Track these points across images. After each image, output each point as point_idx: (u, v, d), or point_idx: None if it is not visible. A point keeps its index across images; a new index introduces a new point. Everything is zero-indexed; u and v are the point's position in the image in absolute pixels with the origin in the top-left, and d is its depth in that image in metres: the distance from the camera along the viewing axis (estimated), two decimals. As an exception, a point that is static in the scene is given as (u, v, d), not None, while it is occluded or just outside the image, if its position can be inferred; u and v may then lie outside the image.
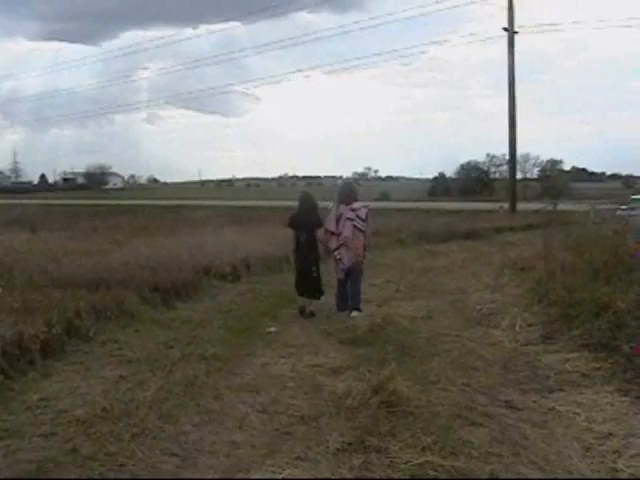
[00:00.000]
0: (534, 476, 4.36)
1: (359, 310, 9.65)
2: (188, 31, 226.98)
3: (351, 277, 9.85)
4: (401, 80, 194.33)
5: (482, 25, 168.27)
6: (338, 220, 9.71)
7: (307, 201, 10.19)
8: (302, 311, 9.85)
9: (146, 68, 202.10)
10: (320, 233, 9.91)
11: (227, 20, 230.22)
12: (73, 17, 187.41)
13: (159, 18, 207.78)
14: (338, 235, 9.70)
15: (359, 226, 9.63)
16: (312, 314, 9.78)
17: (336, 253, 9.82)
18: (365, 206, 9.88)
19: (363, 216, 9.68)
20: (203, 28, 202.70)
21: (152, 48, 76.04)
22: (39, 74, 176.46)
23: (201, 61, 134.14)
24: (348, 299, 9.86)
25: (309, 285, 9.93)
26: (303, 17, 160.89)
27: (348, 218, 9.63)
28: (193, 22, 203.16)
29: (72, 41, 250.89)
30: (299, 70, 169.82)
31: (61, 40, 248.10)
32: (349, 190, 10.15)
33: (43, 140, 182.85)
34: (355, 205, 9.74)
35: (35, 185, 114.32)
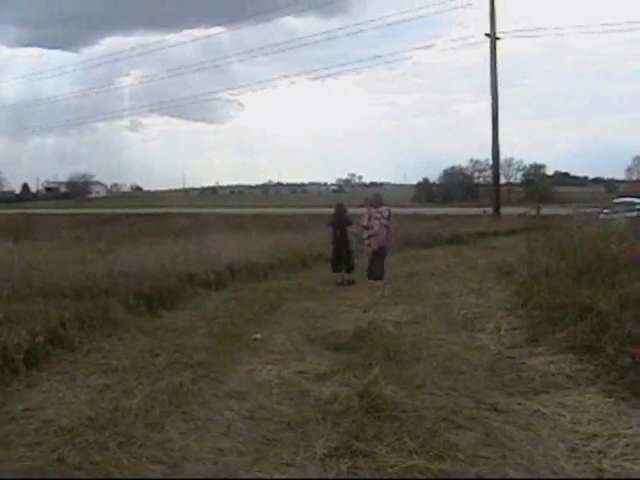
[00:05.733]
0: (520, 478, 4.38)
1: (381, 279, 13.25)
2: (171, 37, 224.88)
3: (378, 258, 13.42)
4: (386, 85, 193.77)
5: (467, 30, 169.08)
6: (369, 219, 13.43)
7: (341, 208, 15.17)
8: (340, 284, 14.17)
9: (128, 75, 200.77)
10: (351, 229, 14.68)
11: (211, 26, 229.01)
12: (52, 23, 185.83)
13: (141, 24, 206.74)
14: (369, 229, 13.35)
15: (383, 222, 13.33)
16: (351, 282, 14.24)
17: (366, 242, 13.55)
18: (387, 209, 13.76)
19: (386, 215, 13.44)
20: (186, 34, 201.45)
21: (134, 55, 75.62)
22: (19, 81, 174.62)
23: (184, 68, 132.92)
24: (374, 272, 13.41)
25: (344, 263, 14.55)
26: (288, 22, 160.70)
27: (376, 217, 13.36)
28: (176, 28, 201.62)
29: (52, 47, 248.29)
30: (284, 76, 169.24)
31: (40, 46, 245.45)
32: (377, 198, 14.11)
33: (25, 149, 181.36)
34: (381, 209, 13.54)
35: (17, 194, 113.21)
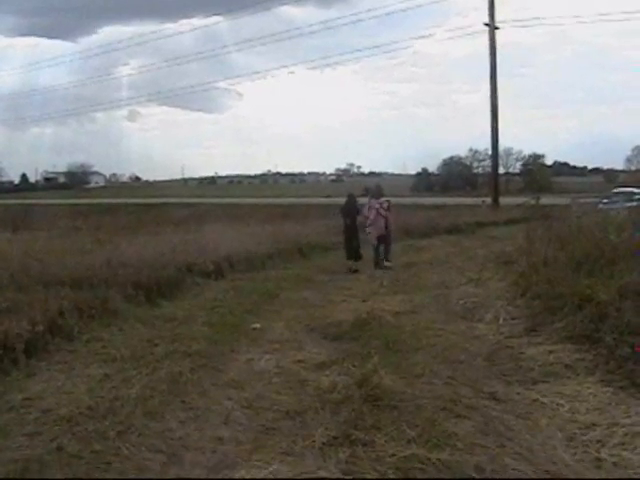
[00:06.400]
0: (519, 468, 4.39)
1: (389, 261, 15.00)
2: (169, 26, 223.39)
3: (384, 244, 15.18)
4: (385, 75, 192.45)
5: (466, 19, 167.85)
6: (370, 209, 15.11)
7: (351, 198, 15.84)
8: (354, 270, 14.70)
9: (126, 64, 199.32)
10: (360, 218, 15.37)
11: (209, 15, 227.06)
12: (49, 12, 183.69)
13: (139, 13, 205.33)
14: (368, 218, 15.02)
15: (382, 213, 15.02)
16: (356, 270, 14.63)
17: (367, 230, 15.23)
18: (387, 200, 15.56)
19: (385, 206, 15.18)
20: (185, 23, 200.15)
21: (133, 44, 75.05)
22: (16, 71, 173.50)
23: (183, 57, 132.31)
24: (380, 258, 15.04)
25: (353, 252, 15.14)
26: (287, 11, 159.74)
27: (375, 208, 15.05)
28: (174, 17, 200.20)
29: (49, 37, 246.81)
30: (283, 66, 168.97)
31: (38, 36, 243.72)
32: (379, 189, 15.95)
33: (23, 139, 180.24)
34: (381, 199, 15.34)
35: (16, 185, 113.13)
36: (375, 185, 16.99)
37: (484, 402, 5.66)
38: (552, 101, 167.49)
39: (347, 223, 15.43)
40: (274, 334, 8.43)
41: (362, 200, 16.74)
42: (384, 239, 15.23)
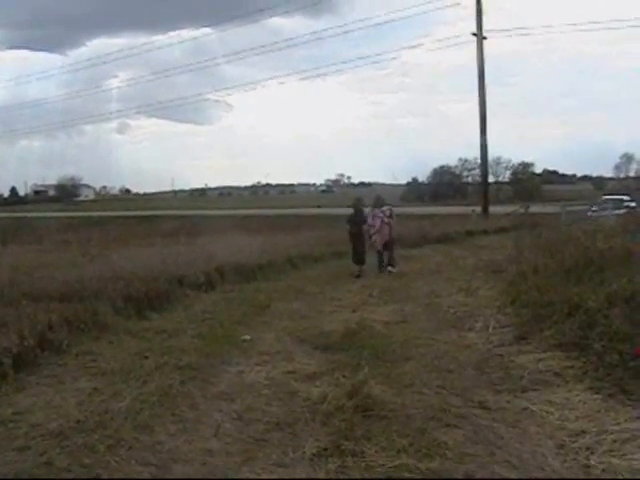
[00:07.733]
0: (509, 476, 4.40)
1: (393, 266, 15.68)
2: (158, 38, 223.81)
3: (387, 249, 15.87)
4: (374, 85, 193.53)
5: (454, 29, 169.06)
6: (373, 217, 15.87)
7: (357, 207, 16.57)
8: (357, 276, 15.24)
9: (115, 77, 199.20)
10: (365, 227, 15.87)
11: (198, 27, 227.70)
12: (38, 25, 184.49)
13: (128, 25, 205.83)
14: (373, 227, 15.71)
15: (385, 220, 15.79)
16: (358, 276, 15.19)
17: (373, 238, 15.80)
18: (389, 208, 16.39)
19: (387, 214, 15.98)
20: (174, 35, 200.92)
21: (122, 57, 75.08)
22: (5, 84, 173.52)
23: (172, 69, 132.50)
24: (383, 264, 15.75)
25: (358, 257, 15.73)
26: (276, 22, 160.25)
27: (379, 216, 15.84)
28: (163, 29, 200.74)
29: (38, 50, 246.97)
30: (272, 77, 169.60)
31: (27, 49, 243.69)
32: (380, 199, 16.72)
33: (12, 152, 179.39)
34: (383, 208, 16.17)
35: (5, 198, 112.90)
36: (376, 195, 17.78)
37: (474, 411, 5.67)
38: (541, 109, 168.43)
39: (352, 231, 16.01)
40: (264, 345, 8.41)
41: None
42: (387, 245, 15.85)
